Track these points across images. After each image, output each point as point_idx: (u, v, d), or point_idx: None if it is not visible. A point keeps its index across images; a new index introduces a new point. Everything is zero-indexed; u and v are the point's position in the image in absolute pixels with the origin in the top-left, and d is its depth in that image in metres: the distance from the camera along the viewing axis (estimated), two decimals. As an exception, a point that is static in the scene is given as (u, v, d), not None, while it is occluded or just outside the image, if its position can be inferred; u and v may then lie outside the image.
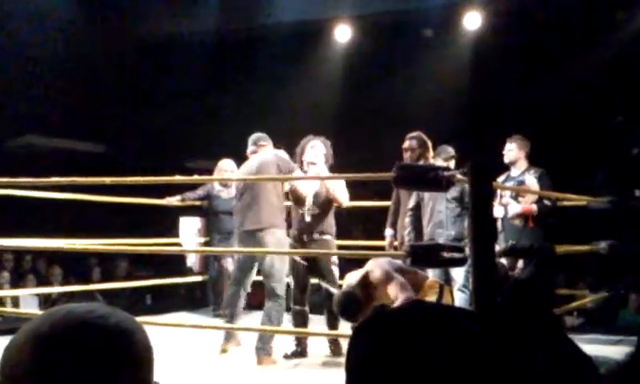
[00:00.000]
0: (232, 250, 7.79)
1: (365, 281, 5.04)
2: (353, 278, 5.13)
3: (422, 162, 6.36)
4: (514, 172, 6.73)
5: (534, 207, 6.51)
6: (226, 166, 7.72)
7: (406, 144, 6.55)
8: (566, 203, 6.97)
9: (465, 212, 6.14)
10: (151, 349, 1.00)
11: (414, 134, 6.58)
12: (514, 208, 6.58)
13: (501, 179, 6.70)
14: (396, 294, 4.93)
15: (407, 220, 6.41)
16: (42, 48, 9.90)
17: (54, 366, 0.93)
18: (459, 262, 4.60)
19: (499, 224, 6.59)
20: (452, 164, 6.13)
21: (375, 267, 5.09)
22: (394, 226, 6.85)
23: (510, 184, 6.67)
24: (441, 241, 5.89)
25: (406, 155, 6.51)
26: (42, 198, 6.85)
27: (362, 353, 0.91)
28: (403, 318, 0.92)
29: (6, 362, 0.97)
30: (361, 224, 10.41)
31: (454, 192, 5.80)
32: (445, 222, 6.23)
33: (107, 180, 5.60)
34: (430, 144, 6.55)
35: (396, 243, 6.72)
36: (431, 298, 5.16)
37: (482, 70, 10.40)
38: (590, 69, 9.58)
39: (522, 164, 6.69)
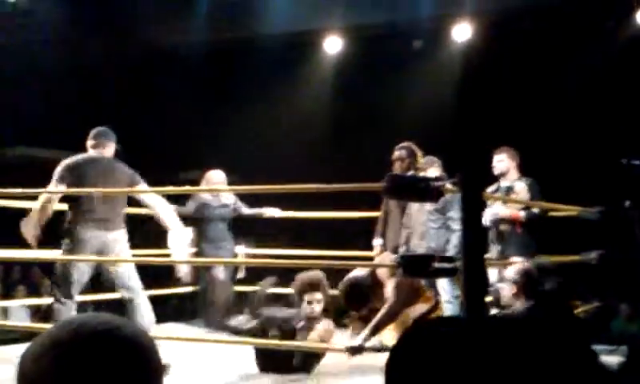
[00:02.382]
0: (223, 260, 7.80)
1: (374, 275, 5.09)
2: (362, 270, 5.17)
3: (411, 172, 6.38)
4: (504, 182, 6.73)
5: (522, 214, 6.51)
6: (214, 178, 7.71)
7: (396, 154, 6.55)
8: (555, 213, 6.99)
9: (447, 224, 6.17)
10: (161, 359, 1.02)
11: (404, 144, 6.60)
12: (501, 210, 6.55)
13: (491, 189, 6.71)
14: (389, 294, 4.97)
15: (403, 233, 6.43)
16: (36, 59, 9.90)
17: (75, 375, 0.94)
18: (449, 273, 4.61)
19: (490, 234, 6.60)
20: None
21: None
22: (383, 236, 6.87)
23: (499, 193, 6.67)
24: (419, 252, 5.92)
25: (396, 165, 6.52)
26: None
27: (405, 371, 0.89)
28: (447, 333, 0.91)
29: (23, 371, 0.98)
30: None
31: (436, 204, 5.81)
32: (426, 234, 6.25)
33: (94, 191, 5.58)
34: (419, 154, 6.56)
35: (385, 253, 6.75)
36: (425, 306, 5.19)
37: (471, 81, 10.45)
38: (580, 76, 9.63)
39: (513, 174, 6.69)
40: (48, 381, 0.95)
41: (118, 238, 5.71)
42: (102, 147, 5.84)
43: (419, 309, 5.20)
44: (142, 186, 5.85)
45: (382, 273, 5.11)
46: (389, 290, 5.01)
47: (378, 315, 4.98)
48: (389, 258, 5.52)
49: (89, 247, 5.58)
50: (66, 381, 0.94)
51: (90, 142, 5.90)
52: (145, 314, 5.66)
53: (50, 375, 0.95)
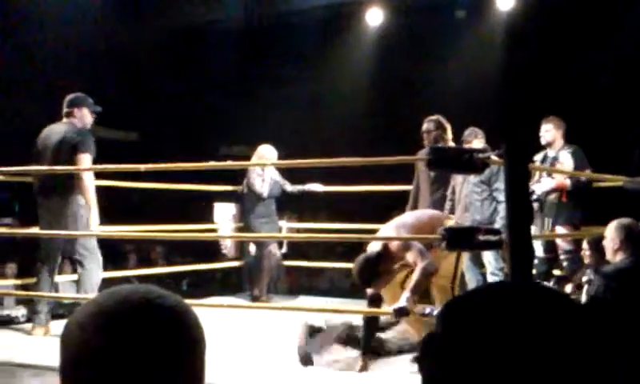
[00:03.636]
0: (277, 235, 7.86)
1: (385, 250, 5.03)
2: (375, 246, 5.12)
3: (440, 145, 6.33)
4: (551, 152, 6.69)
5: (568, 182, 6.46)
6: (265, 152, 7.74)
7: (424, 127, 6.52)
8: (601, 184, 6.90)
9: (493, 196, 6.12)
10: (203, 330, 1.02)
11: (432, 117, 6.53)
12: (548, 184, 6.53)
13: (538, 158, 6.65)
14: (415, 260, 4.92)
15: (447, 205, 6.40)
16: (78, 40, 10.00)
17: (120, 344, 0.94)
18: (494, 246, 4.57)
19: (537, 204, 6.54)
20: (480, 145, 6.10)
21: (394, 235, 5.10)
22: (413, 209, 6.85)
23: (546, 163, 6.62)
24: (466, 224, 5.88)
25: (424, 137, 6.48)
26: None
27: (451, 340, 0.85)
28: (498, 300, 0.86)
29: (68, 338, 0.98)
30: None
31: (481, 175, 5.75)
32: (470, 205, 6.21)
33: (142, 167, 5.64)
34: (448, 127, 6.49)
35: None
36: (448, 264, 5.14)
37: (515, 51, 10.30)
38: (630, 45, 9.42)
39: (559, 144, 6.65)
40: (92, 349, 0.95)
41: None
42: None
43: (445, 268, 5.16)
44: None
45: (394, 246, 5.05)
46: (411, 257, 4.96)
47: (414, 276, 4.93)
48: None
49: None
50: (110, 349, 0.94)
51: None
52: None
53: (95, 343, 0.95)
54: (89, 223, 5.78)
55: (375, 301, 5.32)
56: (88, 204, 5.74)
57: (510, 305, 0.84)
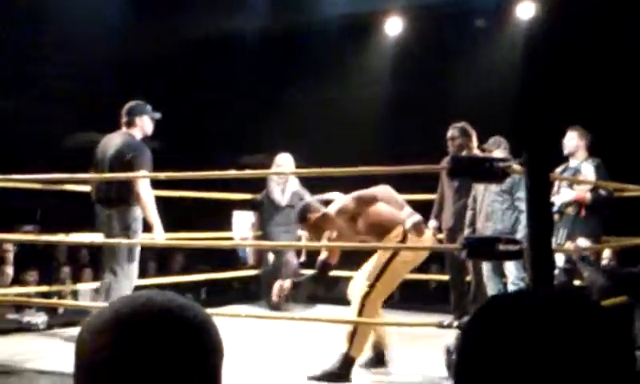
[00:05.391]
0: (295, 244, 7.85)
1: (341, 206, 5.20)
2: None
3: (464, 153, 6.33)
4: (573, 162, 6.64)
5: (588, 195, 6.41)
6: (283, 161, 7.76)
7: (449, 134, 6.55)
8: (624, 194, 6.84)
9: (515, 205, 6.09)
10: (222, 341, 1.01)
11: (457, 124, 6.57)
12: (567, 195, 6.48)
13: (559, 170, 6.61)
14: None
15: (468, 214, 6.39)
16: (96, 49, 10.07)
17: (135, 352, 0.93)
18: (515, 255, 4.55)
19: (557, 216, 6.50)
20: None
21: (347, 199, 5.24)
22: (437, 217, 6.86)
23: (567, 174, 6.57)
24: (487, 234, 5.86)
25: (449, 145, 6.49)
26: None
27: (477, 350, 0.83)
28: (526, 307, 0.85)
29: (83, 345, 0.97)
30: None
31: (503, 184, 5.72)
32: (492, 215, 6.17)
33: (162, 175, 5.67)
34: (473, 134, 6.50)
35: (440, 235, 6.72)
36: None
37: (536, 60, 10.25)
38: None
39: (582, 154, 6.60)
40: (106, 356, 0.94)
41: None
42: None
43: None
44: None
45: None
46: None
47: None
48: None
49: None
50: (124, 357, 0.93)
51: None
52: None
53: (109, 350, 0.94)
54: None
55: (324, 268, 5.46)
56: (147, 217, 5.69)
57: (535, 316, 0.82)
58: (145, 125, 5.98)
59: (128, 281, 5.72)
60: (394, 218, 5.08)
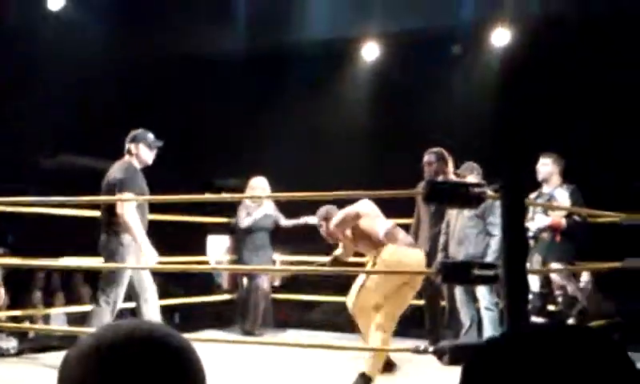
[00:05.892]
0: (266, 268, 7.82)
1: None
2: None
3: (440, 177, 6.35)
4: (546, 188, 6.67)
5: (563, 221, 6.44)
6: (257, 184, 7.74)
7: (425, 158, 6.57)
8: (598, 220, 6.89)
9: (487, 229, 6.11)
10: (204, 370, 1.00)
11: (434, 149, 6.60)
12: (542, 221, 6.51)
13: (533, 196, 6.64)
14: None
15: (441, 239, 6.40)
16: (70, 67, 10.02)
17: (120, 378, 0.92)
18: (490, 280, 4.55)
19: (532, 241, 6.53)
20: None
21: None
22: (414, 241, 6.87)
23: (541, 200, 6.61)
24: (460, 258, 5.88)
25: (425, 169, 6.51)
26: (72, 216, 6.92)
27: None
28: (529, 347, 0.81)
29: (66, 372, 0.96)
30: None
31: (475, 209, 5.73)
32: (465, 239, 6.19)
33: (141, 198, 5.65)
34: (449, 159, 6.53)
35: None
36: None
37: (511, 86, 10.34)
38: (625, 82, 9.45)
39: (556, 180, 6.64)
40: (91, 382, 0.93)
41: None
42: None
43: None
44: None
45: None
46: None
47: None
48: None
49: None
50: (111, 381, 0.92)
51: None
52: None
53: (94, 376, 0.93)
54: (135, 261, 5.71)
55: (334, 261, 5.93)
56: (135, 241, 5.66)
57: (541, 358, 0.79)
58: (140, 153, 5.95)
59: (108, 307, 5.67)
60: (377, 232, 5.43)
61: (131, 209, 5.65)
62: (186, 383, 0.97)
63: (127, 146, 5.98)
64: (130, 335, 0.96)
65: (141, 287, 5.74)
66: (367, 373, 5.12)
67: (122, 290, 5.71)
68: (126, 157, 5.97)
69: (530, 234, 6.40)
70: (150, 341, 0.96)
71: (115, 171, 5.85)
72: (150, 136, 6.03)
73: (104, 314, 5.62)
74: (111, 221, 5.71)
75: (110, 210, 5.73)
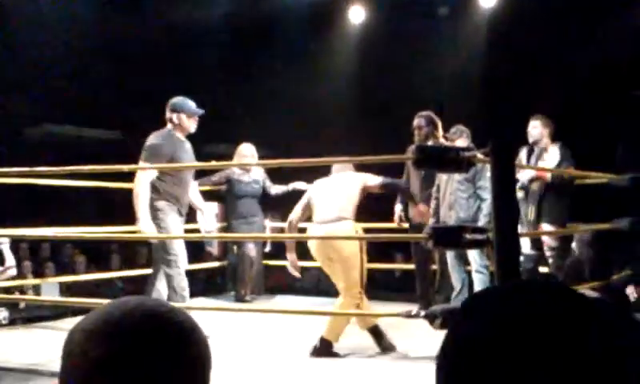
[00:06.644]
0: (254, 235, 7.81)
1: None
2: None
3: (430, 142, 6.35)
4: (537, 150, 6.67)
5: (548, 175, 6.43)
6: (245, 151, 7.69)
7: (415, 122, 6.55)
8: (587, 181, 6.91)
9: (477, 193, 6.12)
10: (209, 346, 1.01)
11: (424, 112, 6.58)
12: (528, 172, 6.50)
13: (523, 150, 6.62)
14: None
15: (432, 203, 6.41)
16: (56, 39, 9.94)
17: (126, 355, 0.93)
18: (481, 244, 4.57)
19: (521, 193, 6.52)
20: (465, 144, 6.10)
21: None
22: (403, 202, 6.91)
23: (533, 156, 6.60)
24: (450, 223, 5.89)
25: (415, 134, 6.49)
26: (62, 186, 6.88)
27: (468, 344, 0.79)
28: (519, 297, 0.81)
29: (71, 347, 0.96)
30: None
31: (465, 173, 5.73)
32: (455, 203, 6.20)
33: (125, 167, 5.60)
34: (439, 123, 6.52)
35: (405, 224, 6.80)
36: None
37: (499, 48, 10.31)
38: (613, 42, 9.42)
39: (546, 142, 6.63)
40: (94, 359, 0.93)
41: None
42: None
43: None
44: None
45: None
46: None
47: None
48: None
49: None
50: (111, 361, 0.93)
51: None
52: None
53: (96, 354, 0.93)
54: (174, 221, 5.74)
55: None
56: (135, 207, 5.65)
57: (528, 312, 0.78)
58: (182, 122, 5.90)
59: (177, 269, 5.72)
60: None
61: (144, 176, 5.64)
62: (191, 360, 0.97)
63: (167, 115, 5.92)
64: (137, 311, 0.97)
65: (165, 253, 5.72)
66: (326, 337, 5.25)
67: (177, 247, 5.71)
68: (168, 125, 5.92)
69: (519, 185, 6.39)
70: (155, 317, 0.97)
71: (148, 139, 5.83)
72: (191, 105, 5.97)
73: (176, 279, 5.68)
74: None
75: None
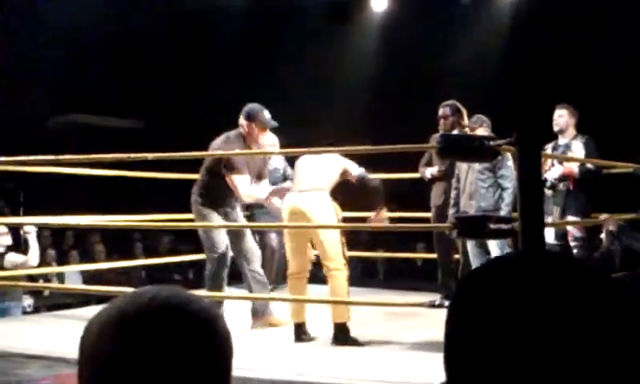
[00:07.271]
0: (277, 224, 7.79)
1: None
2: None
3: (456, 131, 6.29)
4: (562, 140, 6.64)
5: (575, 170, 6.39)
6: (267, 140, 7.67)
7: (440, 112, 6.48)
8: (612, 170, 6.86)
9: (498, 182, 6.06)
10: (230, 335, 0.99)
11: (449, 101, 6.51)
12: (557, 170, 6.47)
13: (549, 147, 6.59)
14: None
15: (452, 193, 6.36)
16: (82, 28, 9.99)
17: (142, 347, 0.92)
18: (507, 234, 4.54)
19: (550, 191, 6.48)
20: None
21: None
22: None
23: (558, 152, 6.56)
24: (471, 213, 5.83)
25: (440, 123, 6.44)
26: (86, 174, 6.91)
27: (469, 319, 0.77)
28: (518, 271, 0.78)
29: (86, 341, 0.96)
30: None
31: (486, 162, 5.68)
32: (475, 193, 6.14)
33: (150, 156, 5.60)
34: (464, 112, 6.46)
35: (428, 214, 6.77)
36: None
37: (524, 38, 10.21)
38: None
39: (571, 131, 6.60)
40: (109, 353, 0.92)
41: None
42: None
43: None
44: None
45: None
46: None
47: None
48: None
49: None
50: (127, 356, 0.92)
51: None
52: None
53: (112, 348, 0.92)
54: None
55: None
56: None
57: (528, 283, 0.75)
58: (252, 131, 5.74)
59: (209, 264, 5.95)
60: None
61: (242, 181, 5.70)
62: (209, 353, 0.95)
63: (240, 120, 5.76)
64: (153, 302, 0.95)
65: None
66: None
67: (220, 240, 5.82)
68: (239, 129, 5.78)
69: (548, 183, 6.36)
70: (173, 308, 0.95)
71: (220, 143, 5.79)
72: (266, 115, 5.78)
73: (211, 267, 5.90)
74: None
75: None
